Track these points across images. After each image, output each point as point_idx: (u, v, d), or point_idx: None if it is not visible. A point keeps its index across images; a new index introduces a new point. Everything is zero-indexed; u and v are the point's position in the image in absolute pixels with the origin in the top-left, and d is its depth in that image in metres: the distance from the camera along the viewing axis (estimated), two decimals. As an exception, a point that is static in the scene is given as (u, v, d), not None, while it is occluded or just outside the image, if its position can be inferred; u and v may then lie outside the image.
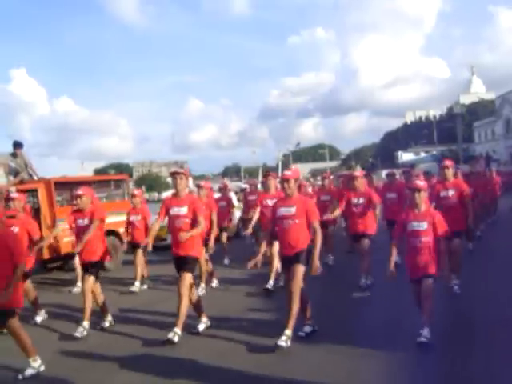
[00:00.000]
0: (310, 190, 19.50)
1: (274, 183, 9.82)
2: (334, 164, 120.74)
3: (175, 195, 6.96)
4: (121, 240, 12.55)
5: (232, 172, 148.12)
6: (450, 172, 8.00)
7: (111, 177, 19.14)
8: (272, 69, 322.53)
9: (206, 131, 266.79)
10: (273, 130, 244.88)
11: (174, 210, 6.81)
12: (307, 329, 6.43)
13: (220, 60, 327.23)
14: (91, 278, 7.43)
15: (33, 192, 12.35)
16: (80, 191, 7.64)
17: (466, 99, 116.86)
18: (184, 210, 6.74)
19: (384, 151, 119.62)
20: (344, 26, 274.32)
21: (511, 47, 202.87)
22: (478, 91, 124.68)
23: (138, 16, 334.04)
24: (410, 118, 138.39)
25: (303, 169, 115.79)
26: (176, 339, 6.35)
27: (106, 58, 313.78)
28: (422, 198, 6.03)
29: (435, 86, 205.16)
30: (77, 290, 10.17)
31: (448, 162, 8.25)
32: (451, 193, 7.94)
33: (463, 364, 5.12)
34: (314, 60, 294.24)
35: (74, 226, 7.87)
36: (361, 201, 8.97)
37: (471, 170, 15.57)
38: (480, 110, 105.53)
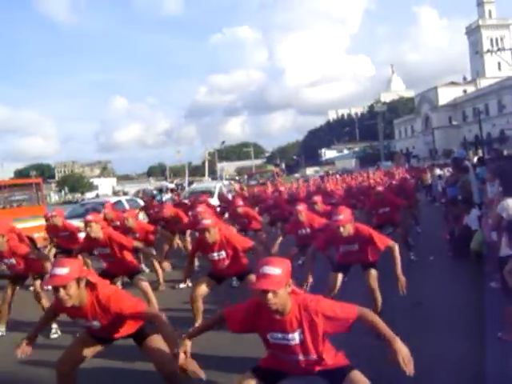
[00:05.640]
0: (237, 188, 18.51)
1: None
2: (258, 162, 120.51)
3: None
4: (35, 245, 11.91)
5: (157, 172, 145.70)
6: (346, 229, 5.50)
7: (23, 181, 18.82)
8: (199, 67, 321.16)
9: (131, 130, 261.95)
10: (200, 129, 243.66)
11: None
12: None
13: (146, 58, 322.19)
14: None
15: None
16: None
17: (387, 97, 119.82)
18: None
19: (307, 149, 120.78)
20: (270, 25, 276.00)
21: (433, 47, 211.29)
22: (398, 89, 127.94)
23: (68, 13, 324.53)
24: (332, 115, 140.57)
25: (229, 167, 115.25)
26: None
27: (30, 56, 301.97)
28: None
29: (360, 84, 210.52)
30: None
31: (341, 219, 5.50)
32: (356, 247, 5.83)
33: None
34: (243, 59, 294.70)
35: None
36: None
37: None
38: (400, 108, 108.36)
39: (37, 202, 14.30)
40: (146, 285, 6.72)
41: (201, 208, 8.84)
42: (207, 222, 5.84)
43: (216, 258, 5.99)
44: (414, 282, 7.67)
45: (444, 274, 8.15)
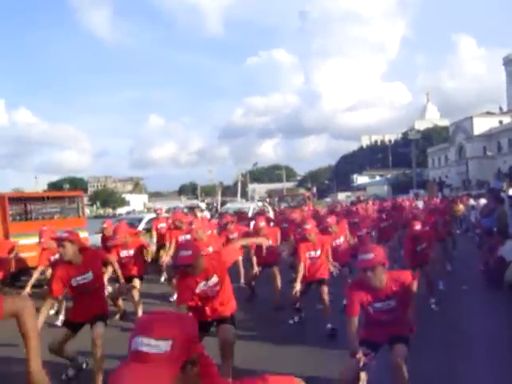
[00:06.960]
0: (271, 212, 18.61)
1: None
2: (290, 185, 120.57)
3: None
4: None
5: (188, 190, 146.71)
6: (377, 275, 4.05)
7: (65, 193, 19.32)
8: (236, 88, 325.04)
9: (165, 148, 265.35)
10: (233, 150, 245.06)
11: None
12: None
13: (184, 78, 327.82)
14: None
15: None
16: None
17: (421, 125, 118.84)
18: None
19: (339, 174, 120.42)
20: (308, 49, 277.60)
21: (469, 76, 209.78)
22: (433, 117, 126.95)
23: (109, 30, 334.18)
24: (365, 141, 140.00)
25: (260, 189, 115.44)
26: None
27: (70, 71, 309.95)
28: None
29: (395, 111, 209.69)
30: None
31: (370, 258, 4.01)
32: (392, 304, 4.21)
33: None
34: (280, 82, 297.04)
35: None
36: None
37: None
38: (434, 136, 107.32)
39: (77, 215, 14.63)
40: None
41: (183, 236, 8.26)
42: (187, 253, 4.41)
43: (204, 288, 4.63)
44: (449, 310, 7.78)
45: (479, 304, 8.21)
